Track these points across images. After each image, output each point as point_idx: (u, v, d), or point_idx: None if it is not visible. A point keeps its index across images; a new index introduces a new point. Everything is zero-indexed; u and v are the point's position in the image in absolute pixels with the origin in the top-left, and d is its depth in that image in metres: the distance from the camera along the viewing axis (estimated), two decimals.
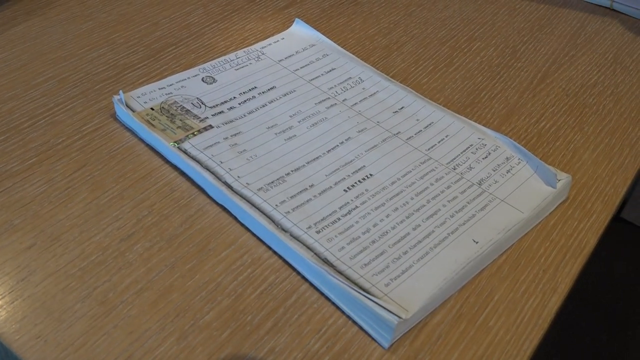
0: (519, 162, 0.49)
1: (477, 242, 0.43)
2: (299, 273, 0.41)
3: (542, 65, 0.63)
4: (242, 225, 0.44)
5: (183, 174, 0.47)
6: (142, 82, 0.55)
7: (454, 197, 0.46)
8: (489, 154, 0.50)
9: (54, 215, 0.43)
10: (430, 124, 0.52)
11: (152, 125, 0.49)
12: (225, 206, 0.44)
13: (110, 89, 0.54)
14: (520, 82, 0.61)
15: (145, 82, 0.55)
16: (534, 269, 0.44)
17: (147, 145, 0.49)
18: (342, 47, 0.61)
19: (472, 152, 0.50)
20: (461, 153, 0.50)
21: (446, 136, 0.51)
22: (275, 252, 0.42)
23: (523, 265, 0.44)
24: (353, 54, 0.61)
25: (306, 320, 0.39)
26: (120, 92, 0.51)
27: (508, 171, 0.48)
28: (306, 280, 0.41)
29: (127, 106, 0.50)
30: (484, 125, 0.54)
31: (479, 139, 0.51)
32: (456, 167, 0.48)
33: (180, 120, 0.49)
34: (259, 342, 0.37)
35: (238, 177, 0.45)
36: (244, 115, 0.51)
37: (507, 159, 0.49)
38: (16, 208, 0.44)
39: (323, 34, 0.62)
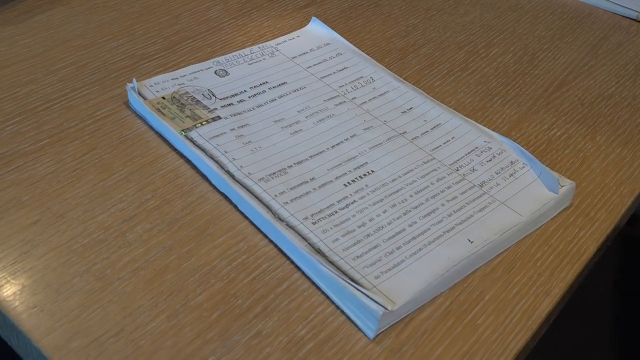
0: (523, 167, 0.50)
1: (472, 242, 0.44)
2: (292, 262, 0.43)
3: (560, 73, 0.64)
4: (241, 213, 0.46)
5: (188, 161, 0.49)
6: (157, 72, 0.58)
7: (454, 197, 0.47)
8: (494, 157, 0.51)
9: (61, 194, 0.46)
10: (437, 125, 0.54)
11: (162, 113, 0.51)
12: (226, 194, 0.47)
13: (126, 77, 0.57)
14: (535, 89, 0.62)
15: (161, 72, 0.57)
16: (528, 272, 0.45)
17: (157, 132, 0.52)
18: (357, 47, 0.63)
19: (476, 155, 0.51)
20: (465, 155, 0.51)
21: (452, 138, 0.52)
22: (271, 241, 0.44)
23: (518, 267, 0.45)
24: (368, 54, 0.63)
25: (295, 307, 0.41)
26: (134, 80, 0.54)
27: (511, 175, 0.49)
28: (299, 269, 0.43)
29: (139, 94, 0.53)
30: (492, 129, 0.55)
31: (484, 142, 0.52)
32: (459, 168, 0.50)
33: (190, 110, 0.52)
34: (247, 324, 0.39)
35: (241, 166, 0.47)
36: (253, 109, 0.53)
37: (512, 162, 0.51)
38: (25, 185, 0.46)
39: (340, 33, 0.64)
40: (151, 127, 0.52)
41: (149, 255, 0.42)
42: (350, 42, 0.63)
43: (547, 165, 0.52)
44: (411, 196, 0.47)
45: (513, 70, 0.64)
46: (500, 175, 0.49)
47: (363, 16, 0.70)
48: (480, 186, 0.48)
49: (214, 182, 0.47)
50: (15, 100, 0.53)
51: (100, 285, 0.40)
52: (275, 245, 0.44)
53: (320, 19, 0.66)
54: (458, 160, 0.51)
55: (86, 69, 0.58)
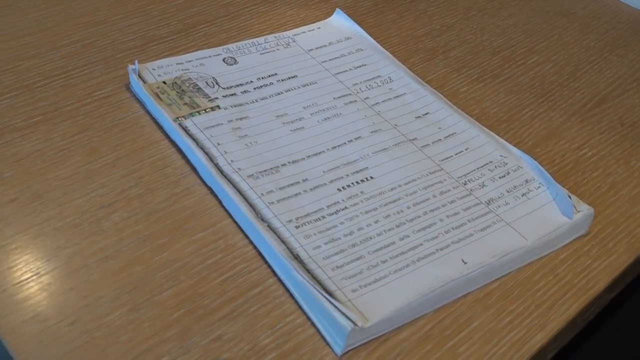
0: (539, 187, 0.49)
1: (465, 263, 0.43)
2: (269, 266, 0.44)
3: (603, 89, 0.63)
4: (225, 210, 0.47)
5: (180, 151, 0.50)
6: (165, 55, 0.59)
7: (455, 213, 0.47)
8: (508, 173, 0.50)
9: (44, 174, 0.48)
10: (452, 134, 0.53)
11: (160, 98, 0.52)
12: (212, 188, 0.47)
13: (132, 58, 0.58)
14: (572, 103, 0.61)
15: (169, 56, 0.59)
16: (526, 302, 0.44)
17: (153, 118, 0.53)
18: (382, 44, 0.63)
19: (489, 169, 0.50)
20: (477, 169, 0.50)
21: (466, 149, 0.52)
22: (251, 242, 0.45)
23: (515, 295, 0.44)
24: (392, 52, 0.62)
25: (264, 313, 0.41)
26: (136, 62, 0.55)
27: (524, 194, 0.49)
28: (275, 274, 0.43)
29: (140, 77, 0.54)
30: (515, 144, 0.55)
31: (501, 156, 0.51)
32: (467, 182, 0.49)
33: (189, 97, 0.53)
34: (208, 327, 0.40)
35: (231, 161, 0.48)
36: (256, 101, 0.54)
37: (527, 181, 0.50)
38: (9, 162, 0.48)
39: (367, 28, 0.64)
40: (148, 112, 0.53)
41: (121, 245, 0.44)
42: (376, 38, 0.63)
43: (569, 188, 0.51)
44: (408, 208, 0.47)
45: (551, 81, 0.63)
46: (512, 194, 0.49)
47: (396, 11, 0.69)
48: (487, 204, 0.48)
49: (201, 175, 0.48)
50: (15, 73, 0.56)
51: (65, 271, 0.42)
52: (255, 247, 0.45)
53: (348, 12, 0.66)
54: (468, 173, 0.50)
55: (93, 47, 0.59)
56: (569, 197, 0.48)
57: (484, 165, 0.51)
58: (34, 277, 0.41)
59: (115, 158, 0.49)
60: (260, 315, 0.41)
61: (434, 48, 0.65)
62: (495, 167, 0.51)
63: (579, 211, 0.47)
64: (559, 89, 0.62)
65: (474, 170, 0.50)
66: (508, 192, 0.49)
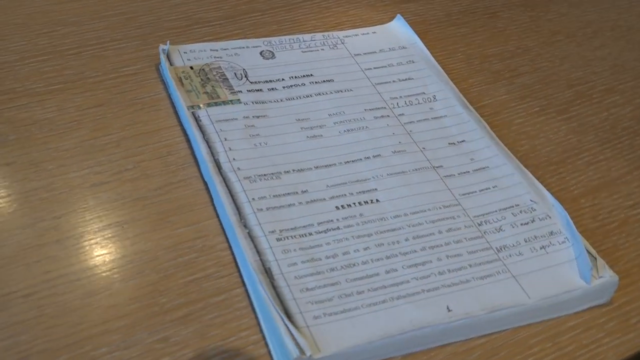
0: (563, 242, 0.47)
1: (450, 310, 0.43)
2: (241, 275, 0.45)
3: None
4: (214, 209, 0.48)
5: (188, 140, 0.52)
6: (207, 40, 0.61)
7: (457, 255, 0.46)
8: (533, 221, 0.49)
9: (47, 142, 0.51)
10: (483, 168, 0.52)
11: (182, 83, 0.54)
12: (208, 184, 0.49)
13: (171, 38, 0.61)
14: None
15: (211, 41, 0.61)
16: None
17: (172, 103, 0.55)
18: (443, 59, 0.62)
19: (512, 213, 0.49)
20: (499, 210, 0.49)
21: (493, 186, 0.51)
22: (230, 247, 0.46)
23: (501, 357, 0.43)
24: (451, 70, 0.62)
25: (219, 323, 0.42)
26: (167, 42, 0.57)
27: (543, 247, 0.47)
28: (244, 285, 0.44)
29: (169, 58, 0.56)
30: (557, 190, 0.53)
31: (531, 201, 0.50)
32: (483, 223, 0.48)
33: (212, 86, 0.55)
34: (159, 326, 0.41)
35: (233, 159, 0.50)
36: (280, 100, 0.55)
37: (551, 233, 0.48)
38: (18, 125, 0.52)
39: (432, 39, 0.64)
40: (169, 96, 0.56)
41: (98, 226, 0.46)
42: (437, 52, 0.63)
43: (604, 250, 0.49)
44: (407, 240, 0.46)
45: (624, 127, 0.60)
46: (530, 244, 0.47)
47: (470, 25, 0.69)
48: (498, 250, 0.47)
49: (201, 168, 0.50)
50: (51, 38, 0.60)
51: (37, 243, 0.45)
52: (232, 253, 0.46)
53: (417, 19, 0.66)
54: (487, 214, 0.49)
55: (135, 21, 0.62)
56: (595, 258, 0.46)
57: (508, 207, 0.49)
58: (5, 243, 0.44)
59: (121, 138, 0.52)
60: (215, 325, 0.42)
61: (499, 71, 0.64)
62: (521, 211, 0.49)
63: (600, 276, 0.45)
64: (631, 137, 0.59)
65: (495, 211, 0.49)
66: (526, 241, 0.47)
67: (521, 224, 0.48)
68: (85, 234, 0.45)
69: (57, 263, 0.44)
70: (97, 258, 0.44)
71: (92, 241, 0.45)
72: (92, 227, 0.46)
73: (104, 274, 0.43)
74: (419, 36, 0.64)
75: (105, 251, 0.45)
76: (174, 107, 0.55)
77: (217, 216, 0.48)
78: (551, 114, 0.60)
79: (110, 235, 0.45)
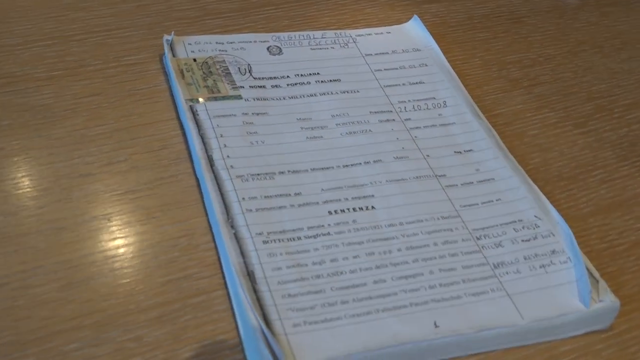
0: (565, 262, 0.46)
1: (437, 327, 0.42)
2: (224, 277, 0.44)
3: None
4: (204, 207, 0.48)
5: (184, 135, 0.52)
6: (215, 32, 0.61)
7: (451, 269, 0.45)
8: (535, 238, 0.48)
9: (39, 129, 0.51)
10: (488, 180, 0.51)
11: (183, 75, 0.54)
12: (199, 180, 0.49)
13: (179, 29, 0.61)
14: None
15: (220, 33, 0.61)
16: None
17: (172, 95, 0.55)
18: (459, 63, 0.62)
19: (514, 229, 0.48)
20: (500, 225, 0.48)
21: (497, 199, 0.50)
22: (215, 247, 0.46)
23: None
24: (466, 75, 0.61)
25: (195, 325, 0.42)
26: (172, 33, 0.57)
27: (542, 266, 0.46)
28: (226, 287, 0.44)
29: (172, 49, 0.56)
30: (565, 208, 0.52)
31: (535, 217, 0.49)
32: (482, 237, 0.47)
33: (213, 80, 0.55)
34: (132, 324, 0.41)
35: (227, 156, 0.49)
36: (283, 98, 0.54)
37: (553, 252, 0.47)
38: (13, 111, 0.52)
39: (449, 42, 0.63)
40: (170, 89, 0.56)
41: (81, 219, 0.46)
42: (453, 56, 0.62)
43: (609, 272, 0.48)
44: (399, 250, 0.46)
45: None
46: (529, 262, 0.46)
47: (492, 30, 0.68)
48: (494, 267, 0.46)
49: (194, 164, 0.50)
50: (58, 22, 0.60)
51: (16, 232, 0.45)
52: (218, 253, 0.45)
53: (437, 21, 0.65)
54: (487, 227, 0.48)
55: (145, 9, 0.63)
56: (597, 281, 0.45)
57: (511, 222, 0.48)
58: None
59: (115, 129, 0.52)
60: (191, 327, 0.42)
61: (518, 79, 0.62)
62: (523, 227, 0.48)
63: (600, 300, 0.44)
64: None
65: (496, 225, 0.48)
66: (525, 259, 0.46)
67: (522, 241, 0.47)
68: (67, 226, 0.45)
69: (35, 254, 0.44)
70: (77, 251, 0.44)
71: (74, 233, 0.45)
72: (76, 220, 0.46)
73: (81, 268, 0.43)
74: (436, 38, 0.63)
75: (86, 244, 0.45)
76: (173, 100, 0.55)
77: (206, 214, 0.47)
78: (568, 127, 0.59)
79: (93, 228, 0.45)
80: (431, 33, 0.64)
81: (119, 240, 0.45)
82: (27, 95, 0.53)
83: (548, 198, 0.51)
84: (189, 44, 0.57)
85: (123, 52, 0.58)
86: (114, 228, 0.46)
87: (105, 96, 0.54)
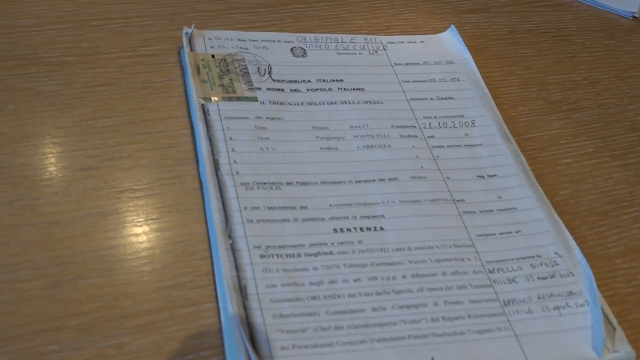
0: (581, 306, 0.46)
1: None
2: (216, 289, 0.45)
3: None
4: (205, 212, 0.48)
5: (194, 134, 0.53)
6: (239, 27, 0.62)
7: (457, 302, 0.45)
8: (552, 276, 0.47)
9: (45, 117, 0.52)
10: (509, 209, 0.51)
11: (199, 72, 0.55)
12: (202, 184, 0.49)
13: (201, 21, 0.62)
14: None
15: (245, 29, 0.61)
16: None
17: (186, 91, 0.56)
18: (494, 80, 0.61)
19: (531, 264, 0.48)
20: (516, 259, 0.48)
21: (517, 231, 0.49)
22: (212, 256, 0.46)
23: None
24: (500, 94, 0.61)
25: (181, 337, 0.42)
26: (192, 25, 0.58)
27: (557, 308, 0.46)
28: (217, 300, 0.44)
29: (190, 43, 0.57)
30: (593, 245, 0.51)
31: (555, 253, 0.48)
32: (495, 270, 0.47)
33: (230, 79, 0.55)
34: (116, 330, 0.42)
35: (234, 161, 0.50)
36: (301, 104, 0.55)
37: (570, 293, 0.46)
38: (20, 95, 0.53)
39: (487, 57, 0.63)
40: (185, 84, 0.56)
41: (76, 215, 0.47)
42: (490, 72, 0.62)
43: (631, 320, 0.47)
44: (404, 277, 0.46)
45: None
46: (542, 302, 0.46)
47: (536, 47, 0.67)
48: (504, 304, 0.45)
49: (199, 166, 0.50)
50: (76, 5, 0.61)
51: (10, 223, 0.46)
52: (213, 263, 0.46)
53: (477, 32, 0.65)
54: (502, 260, 0.48)
55: None
56: (614, 329, 0.44)
57: (528, 257, 0.48)
58: None
59: (123, 122, 0.53)
60: (176, 339, 0.42)
61: (557, 102, 0.62)
62: (541, 264, 0.48)
63: (615, 350, 0.44)
64: None
65: (512, 259, 0.48)
66: (539, 298, 0.46)
67: (538, 278, 0.47)
68: (61, 221, 0.46)
69: (24, 247, 0.45)
70: (68, 248, 0.45)
71: (68, 229, 0.46)
72: (71, 215, 0.47)
73: (71, 266, 0.44)
74: (474, 52, 0.63)
75: (78, 242, 0.45)
76: (187, 96, 0.55)
77: (206, 221, 0.48)
78: (605, 157, 0.58)
79: (87, 225, 0.46)
80: (469, 45, 0.63)
81: (112, 241, 0.46)
82: (37, 79, 0.54)
83: (574, 233, 0.51)
84: (209, 38, 0.58)
85: (140, 41, 0.59)
86: (109, 227, 0.46)
87: (117, 87, 0.55)
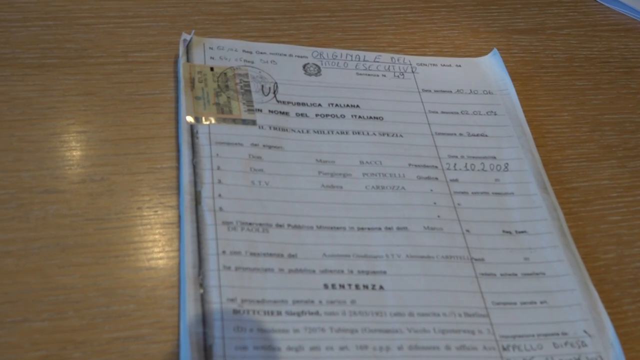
0: None
1: None
2: (179, 347, 0.44)
3: None
4: (179, 253, 0.47)
5: (180, 158, 0.52)
6: (249, 35, 0.60)
7: None
8: (578, 359, 0.45)
9: (14, 127, 0.52)
10: (537, 274, 0.49)
11: (193, 86, 0.54)
12: (181, 217, 0.48)
13: (206, 27, 0.61)
14: None
15: (254, 37, 0.60)
16: None
17: (177, 108, 0.55)
18: (536, 116, 0.59)
19: (554, 343, 0.46)
20: (537, 335, 0.46)
21: (542, 302, 0.47)
22: (179, 306, 0.45)
23: None
24: (542, 133, 0.59)
25: None
26: (193, 31, 0.57)
27: None
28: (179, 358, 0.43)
29: (187, 52, 0.56)
30: (633, 323, 0.49)
31: (584, 332, 0.46)
32: (509, 348, 0.45)
33: (227, 98, 0.54)
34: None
35: (219, 195, 0.49)
36: (306, 132, 0.53)
37: None
38: None
39: (536, 87, 0.61)
40: (177, 99, 0.55)
41: (33, 246, 0.46)
42: (532, 105, 0.60)
43: None
44: (400, 348, 0.44)
45: None
46: None
47: (594, 79, 0.65)
48: None
49: (180, 198, 0.49)
50: (66, 0, 0.60)
51: None
52: (180, 314, 0.45)
53: (528, 58, 0.63)
54: (519, 336, 0.46)
55: None
56: None
57: (552, 334, 0.46)
58: None
59: (99, 139, 0.52)
60: None
61: (612, 146, 0.60)
62: (566, 343, 0.46)
63: None
64: None
65: (532, 335, 0.46)
66: None
67: None
68: (14, 251, 0.46)
69: None
70: (17, 284, 0.44)
71: (20, 261, 0.45)
72: (24, 245, 0.46)
73: (17, 306, 0.43)
74: (519, 79, 0.61)
75: (29, 278, 0.45)
76: (177, 114, 0.54)
77: (179, 264, 0.47)
78: None
79: (42, 258, 0.46)
80: (516, 72, 0.62)
81: (68, 279, 0.45)
82: (11, 83, 0.54)
83: (612, 307, 0.49)
84: (209, 47, 0.57)
85: (133, 45, 0.58)
86: (67, 262, 0.46)
87: (99, 97, 0.54)
